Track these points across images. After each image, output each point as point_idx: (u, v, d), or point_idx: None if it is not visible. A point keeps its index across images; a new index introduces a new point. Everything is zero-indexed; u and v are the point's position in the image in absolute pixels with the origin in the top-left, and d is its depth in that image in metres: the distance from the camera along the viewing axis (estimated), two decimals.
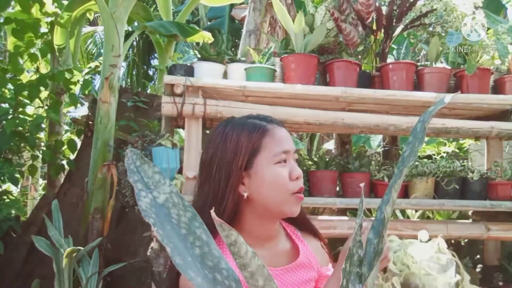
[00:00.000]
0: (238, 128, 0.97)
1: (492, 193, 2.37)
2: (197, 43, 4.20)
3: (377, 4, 2.36)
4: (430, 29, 2.46)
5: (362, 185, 0.51)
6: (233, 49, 7.18)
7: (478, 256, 2.73)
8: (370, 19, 2.41)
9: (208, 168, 0.98)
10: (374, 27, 2.45)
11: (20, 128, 3.47)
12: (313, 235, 1.09)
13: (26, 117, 3.48)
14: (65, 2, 4.01)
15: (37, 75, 3.73)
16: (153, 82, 8.98)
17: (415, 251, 1.85)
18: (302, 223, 1.07)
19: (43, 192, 4.95)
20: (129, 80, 8.64)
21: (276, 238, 1.02)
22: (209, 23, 7.69)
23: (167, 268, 0.96)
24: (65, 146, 3.87)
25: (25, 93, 3.49)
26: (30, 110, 3.99)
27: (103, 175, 3.21)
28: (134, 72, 8.78)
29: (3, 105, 3.40)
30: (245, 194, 0.95)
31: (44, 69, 4.44)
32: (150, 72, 9.24)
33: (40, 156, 3.76)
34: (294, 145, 1.00)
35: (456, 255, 2.62)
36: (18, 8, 3.80)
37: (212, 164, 0.97)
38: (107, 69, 3.39)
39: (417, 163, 2.33)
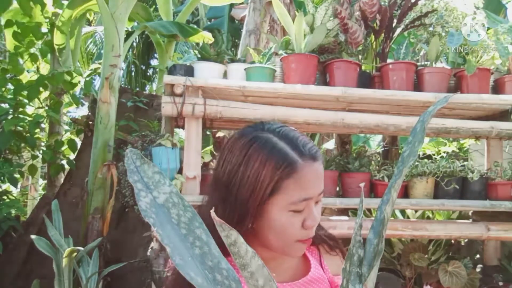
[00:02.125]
0: (264, 154, 0.79)
1: (492, 193, 2.37)
2: (197, 43, 4.20)
3: (381, 4, 2.36)
4: (430, 29, 2.46)
5: (362, 185, 0.51)
6: (233, 49, 7.19)
7: (478, 256, 2.74)
8: (372, 19, 2.42)
9: (224, 188, 0.82)
10: (376, 27, 2.45)
11: (20, 128, 3.47)
12: (325, 244, 0.96)
13: (26, 117, 3.48)
14: (65, 2, 4.02)
15: (37, 75, 3.73)
16: (151, 82, 8.99)
17: None
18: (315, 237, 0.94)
19: (43, 192, 4.96)
20: (127, 80, 8.65)
21: (282, 256, 0.89)
22: (208, 23, 7.69)
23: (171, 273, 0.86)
24: (65, 146, 3.88)
25: (25, 93, 3.50)
26: (30, 110, 4.00)
27: (103, 175, 3.21)
28: (133, 73, 8.79)
29: (3, 105, 3.40)
30: (249, 225, 0.82)
31: (44, 69, 4.45)
32: (149, 73, 9.25)
33: (40, 156, 3.76)
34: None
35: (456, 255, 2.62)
36: (16, 5, 3.80)
37: (229, 185, 0.81)
38: (107, 69, 3.39)
39: (417, 163, 2.33)
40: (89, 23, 7.07)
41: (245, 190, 0.79)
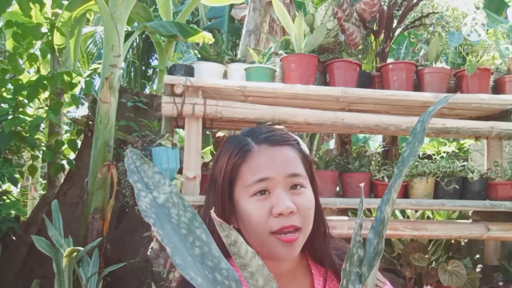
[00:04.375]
0: (226, 146, 0.83)
1: (492, 193, 2.37)
2: (197, 43, 4.20)
3: (381, 4, 2.36)
4: (431, 29, 2.46)
5: (362, 185, 0.51)
6: (233, 49, 7.19)
7: (478, 256, 2.74)
8: (371, 19, 2.42)
9: (208, 189, 0.86)
10: (375, 28, 2.45)
11: (20, 129, 3.47)
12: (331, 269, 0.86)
13: (26, 117, 3.48)
14: (65, 2, 4.02)
15: (37, 75, 3.74)
16: (151, 82, 8.99)
17: None
18: (319, 255, 0.86)
19: (43, 192, 4.96)
20: (127, 80, 8.65)
21: (290, 274, 0.83)
22: (208, 23, 7.69)
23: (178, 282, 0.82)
24: (65, 146, 3.88)
25: (24, 93, 3.50)
26: (30, 110, 3.99)
27: (103, 175, 3.21)
28: (132, 73, 8.79)
29: (3, 105, 3.40)
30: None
31: (44, 69, 4.45)
32: (149, 73, 9.25)
33: (40, 156, 3.77)
34: (293, 168, 0.79)
35: (457, 255, 2.62)
36: (17, 6, 3.80)
37: (209, 182, 0.85)
38: (107, 69, 3.39)
39: (417, 163, 2.33)
40: (87, 23, 7.07)
41: (216, 186, 0.81)
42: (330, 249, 0.86)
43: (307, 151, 0.86)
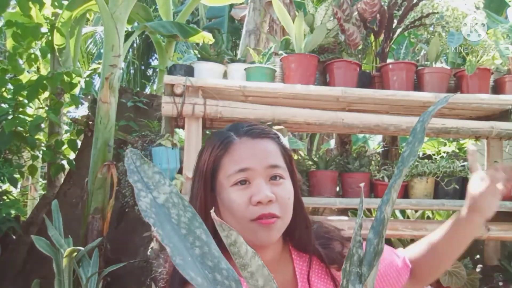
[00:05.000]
0: (209, 141, 0.88)
1: None
2: (197, 43, 4.20)
3: (382, 4, 2.36)
4: (431, 29, 2.46)
5: (362, 185, 0.51)
6: (232, 49, 7.19)
7: (478, 256, 2.73)
8: (372, 19, 2.42)
9: (192, 178, 0.91)
10: (375, 28, 2.45)
11: (20, 129, 3.47)
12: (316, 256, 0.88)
13: (26, 117, 3.48)
14: (65, 2, 4.02)
15: (37, 75, 3.74)
16: (151, 83, 9.00)
17: None
18: (302, 246, 0.89)
19: (43, 192, 4.96)
20: (127, 80, 8.65)
21: (274, 263, 0.85)
22: (208, 22, 7.69)
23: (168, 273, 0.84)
24: (65, 146, 3.88)
25: (24, 93, 3.50)
26: (30, 110, 4.00)
27: (103, 175, 3.21)
28: (132, 73, 8.79)
29: (3, 105, 3.41)
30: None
31: (44, 69, 4.45)
32: (149, 73, 9.25)
33: (40, 156, 3.77)
34: (273, 160, 0.83)
35: None
36: (17, 6, 3.81)
37: (193, 175, 0.90)
38: (107, 69, 3.39)
39: (417, 163, 2.33)
40: (87, 23, 7.07)
41: (200, 178, 0.86)
42: (312, 238, 0.89)
43: (287, 145, 0.90)
